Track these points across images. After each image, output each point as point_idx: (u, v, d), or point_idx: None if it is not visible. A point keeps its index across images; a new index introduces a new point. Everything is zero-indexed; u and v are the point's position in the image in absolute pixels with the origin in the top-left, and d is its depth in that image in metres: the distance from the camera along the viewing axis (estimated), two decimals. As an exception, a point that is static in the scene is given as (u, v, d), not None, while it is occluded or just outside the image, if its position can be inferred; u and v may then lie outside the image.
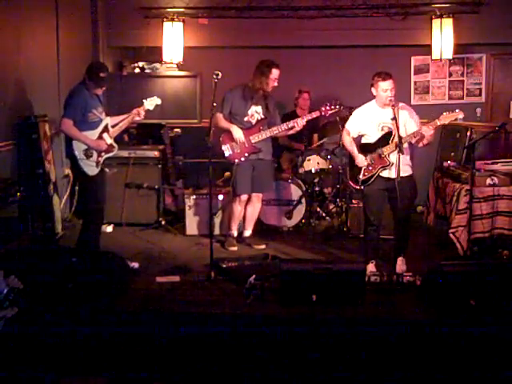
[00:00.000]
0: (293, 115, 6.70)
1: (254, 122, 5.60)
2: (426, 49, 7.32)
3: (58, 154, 6.20)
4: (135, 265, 5.06)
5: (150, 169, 6.58)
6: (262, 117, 5.61)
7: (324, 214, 6.71)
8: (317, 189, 6.67)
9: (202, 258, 5.26)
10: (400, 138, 4.51)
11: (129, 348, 3.82)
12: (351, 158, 5.03)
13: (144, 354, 3.80)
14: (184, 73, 7.89)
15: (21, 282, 3.95)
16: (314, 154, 6.51)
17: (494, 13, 7.09)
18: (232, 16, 7.26)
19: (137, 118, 5.24)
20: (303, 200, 6.37)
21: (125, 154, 6.35)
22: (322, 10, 7.18)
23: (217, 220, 6.21)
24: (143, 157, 6.58)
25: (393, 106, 4.59)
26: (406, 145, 4.79)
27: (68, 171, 6.33)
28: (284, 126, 5.56)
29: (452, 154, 6.40)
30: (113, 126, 5.15)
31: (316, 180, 6.61)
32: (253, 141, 5.55)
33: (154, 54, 7.60)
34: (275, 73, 5.51)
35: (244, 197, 5.73)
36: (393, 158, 4.70)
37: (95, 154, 4.96)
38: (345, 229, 6.23)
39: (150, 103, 5.30)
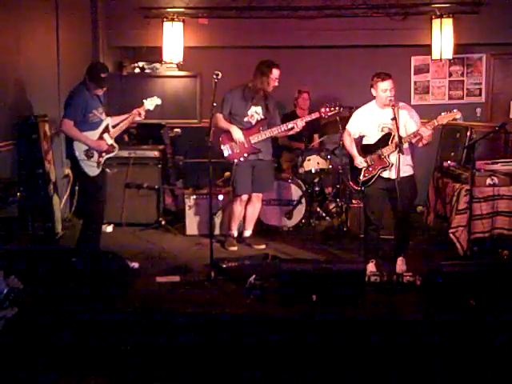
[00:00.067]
0: (292, 115, 6.71)
1: (253, 122, 5.60)
2: (426, 49, 7.32)
3: (58, 154, 6.20)
4: (135, 265, 5.06)
5: (150, 169, 6.58)
6: (262, 117, 5.61)
7: (324, 214, 6.71)
8: (317, 189, 6.67)
9: (202, 258, 5.26)
10: (400, 138, 4.51)
11: (129, 348, 3.83)
12: (351, 160, 5.03)
13: (144, 354, 3.80)
14: (184, 73, 7.89)
15: (21, 282, 3.95)
16: (314, 154, 6.51)
17: (494, 13, 7.10)
18: (232, 16, 7.26)
19: (137, 119, 5.24)
20: (303, 200, 6.37)
21: (125, 153, 6.34)
22: (321, 9, 7.19)
23: (217, 220, 6.21)
24: (143, 157, 6.58)
25: (393, 106, 4.59)
26: (406, 145, 4.79)
27: (68, 171, 6.33)
28: (284, 127, 5.56)
29: (452, 154, 6.40)
30: (113, 127, 5.15)
31: (316, 180, 6.61)
32: (252, 141, 5.56)
33: (154, 54, 7.61)
34: (275, 73, 5.51)
35: (244, 197, 5.73)
36: (393, 158, 4.69)
37: (96, 155, 4.96)
38: (345, 229, 6.23)
39: (150, 103, 5.30)
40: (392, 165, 4.72)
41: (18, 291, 3.88)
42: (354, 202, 6.21)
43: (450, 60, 7.44)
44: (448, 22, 7.04)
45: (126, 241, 6.06)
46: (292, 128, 5.55)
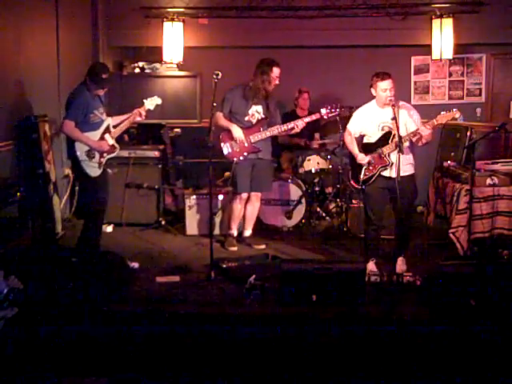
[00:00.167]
0: (293, 115, 6.72)
1: (254, 121, 5.61)
2: (426, 49, 7.32)
3: (58, 154, 6.20)
4: (135, 265, 5.06)
5: (150, 169, 6.58)
6: (263, 116, 5.62)
7: (324, 214, 6.71)
8: (317, 189, 6.67)
9: (202, 258, 5.26)
10: (400, 137, 4.51)
11: (129, 348, 3.83)
12: (352, 158, 5.04)
13: (144, 354, 3.80)
14: (184, 73, 7.88)
15: (21, 282, 3.95)
16: (313, 154, 6.52)
17: (494, 13, 7.09)
18: (232, 16, 7.26)
19: (138, 119, 5.23)
20: (303, 200, 6.37)
21: (125, 153, 6.34)
22: (321, 9, 7.18)
23: (217, 220, 6.21)
24: (143, 157, 6.58)
25: (393, 105, 4.60)
26: (407, 144, 4.79)
27: (68, 171, 6.34)
28: (284, 127, 5.56)
29: (452, 154, 6.40)
30: (114, 127, 5.15)
31: (316, 180, 6.61)
32: (252, 140, 5.56)
33: (154, 54, 7.60)
34: (276, 71, 5.52)
35: (244, 195, 5.74)
36: (393, 157, 4.70)
37: (97, 155, 4.96)
38: (345, 229, 6.23)
39: (151, 103, 5.30)
40: (392, 163, 4.72)
41: (17, 291, 3.88)
42: (354, 201, 6.21)
43: (450, 60, 7.44)
44: (448, 22, 7.04)
45: (126, 241, 6.06)
46: (292, 128, 5.55)
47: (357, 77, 7.00)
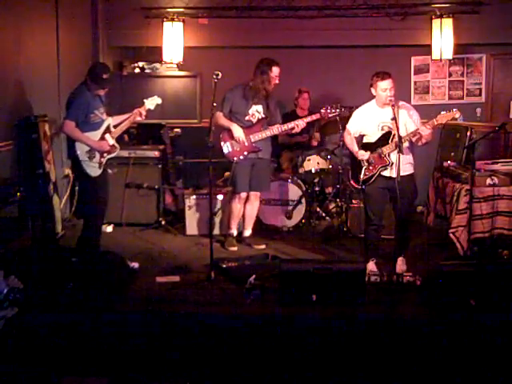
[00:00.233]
0: (293, 115, 6.72)
1: (254, 121, 5.60)
2: (426, 49, 7.32)
3: (58, 154, 6.20)
4: (135, 265, 5.06)
5: (150, 169, 6.58)
6: (263, 116, 5.62)
7: (324, 214, 6.71)
8: (317, 189, 6.67)
9: (202, 258, 5.26)
10: (400, 137, 4.51)
11: (129, 348, 3.83)
12: (353, 158, 5.04)
13: (144, 354, 3.80)
14: (184, 73, 7.89)
15: (21, 282, 3.95)
16: (314, 154, 6.52)
17: (494, 13, 7.09)
18: (232, 16, 7.26)
19: (138, 118, 5.23)
20: (303, 200, 6.37)
21: (125, 154, 6.34)
22: (321, 10, 7.18)
23: (217, 220, 6.21)
24: (143, 157, 6.58)
25: (392, 105, 4.60)
26: (406, 143, 4.79)
27: (68, 171, 6.34)
28: (284, 127, 5.57)
29: (452, 153, 6.40)
30: (114, 127, 5.15)
31: (316, 180, 6.61)
32: (253, 140, 5.56)
33: (154, 54, 7.60)
34: (275, 71, 5.52)
35: (243, 194, 5.74)
36: (393, 157, 4.70)
37: (98, 155, 4.96)
38: (345, 229, 6.22)
39: (151, 102, 5.29)
40: (392, 163, 4.72)
41: (18, 291, 3.88)
42: (354, 201, 6.21)
43: (449, 60, 7.44)
44: (448, 22, 7.04)
45: (126, 241, 6.06)
46: (293, 128, 5.56)
47: (357, 77, 7.00)
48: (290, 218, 6.37)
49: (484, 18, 7.11)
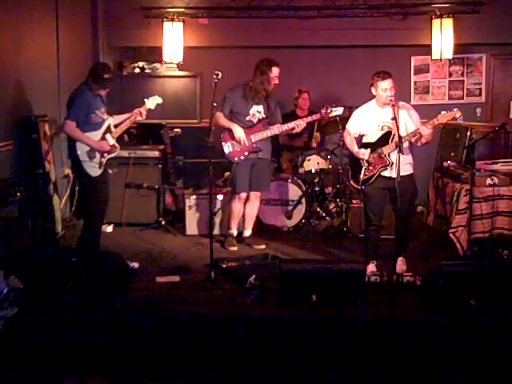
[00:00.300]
0: (293, 115, 6.72)
1: (255, 121, 5.60)
2: (426, 49, 7.32)
3: (58, 154, 6.20)
4: (135, 265, 5.06)
5: (150, 169, 6.58)
6: (264, 116, 5.62)
7: (324, 214, 6.71)
8: (317, 189, 6.67)
9: (202, 258, 5.26)
10: (400, 137, 4.50)
11: (129, 348, 3.83)
12: (352, 158, 5.03)
13: (144, 354, 3.80)
14: (184, 73, 7.89)
15: (21, 282, 3.95)
16: (314, 154, 6.51)
17: (494, 13, 7.10)
18: (232, 16, 7.26)
19: (139, 118, 5.22)
20: (303, 200, 6.37)
21: (125, 154, 6.34)
22: (321, 10, 7.18)
23: (217, 220, 6.21)
24: (143, 157, 6.58)
25: (393, 105, 4.59)
26: (406, 144, 4.79)
27: (68, 171, 6.34)
28: (285, 127, 5.57)
29: (452, 153, 6.40)
30: (115, 126, 5.14)
31: (316, 180, 6.61)
32: (253, 140, 5.56)
33: (154, 54, 7.60)
34: (275, 71, 5.52)
35: (243, 194, 5.74)
36: (393, 157, 4.70)
37: (98, 155, 4.96)
38: (345, 229, 6.22)
39: (152, 102, 5.28)
40: (392, 163, 4.72)
41: (17, 291, 3.88)
42: (354, 201, 6.21)
43: (450, 60, 7.44)
44: (448, 22, 7.04)
45: (126, 241, 6.06)
46: (293, 128, 5.56)
47: (357, 77, 7.01)
48: (290, 218, 6.37)
49: (484, 17, 7.11)
